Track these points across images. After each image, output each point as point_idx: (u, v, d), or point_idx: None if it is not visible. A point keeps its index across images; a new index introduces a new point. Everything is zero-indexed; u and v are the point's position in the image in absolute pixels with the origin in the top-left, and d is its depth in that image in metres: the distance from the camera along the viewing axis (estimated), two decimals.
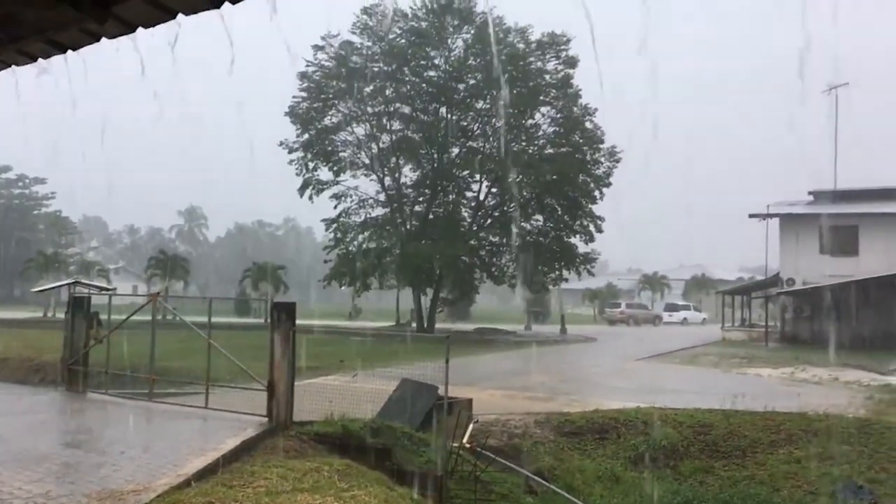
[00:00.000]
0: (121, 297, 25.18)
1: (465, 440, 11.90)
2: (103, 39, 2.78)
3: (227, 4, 2.40)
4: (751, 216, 40.91)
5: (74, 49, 2.90)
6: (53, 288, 46.75)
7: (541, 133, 43.32)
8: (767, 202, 40.37)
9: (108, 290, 39.19)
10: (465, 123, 43.41)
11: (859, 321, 34.03)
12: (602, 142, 42.47)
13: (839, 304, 34.22)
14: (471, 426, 12.50)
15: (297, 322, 11.78)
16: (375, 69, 41.28)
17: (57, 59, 2.96)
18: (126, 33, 2.71)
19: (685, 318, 67.35)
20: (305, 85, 42.33)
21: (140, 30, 2.70)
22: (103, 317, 16.65)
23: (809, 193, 42.92)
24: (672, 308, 70.78)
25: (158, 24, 2.62)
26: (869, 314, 33.97)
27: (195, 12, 2.48)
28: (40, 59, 2.98)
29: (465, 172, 43.40)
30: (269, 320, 12.46)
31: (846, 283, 34.47)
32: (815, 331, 32.68)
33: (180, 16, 2.54)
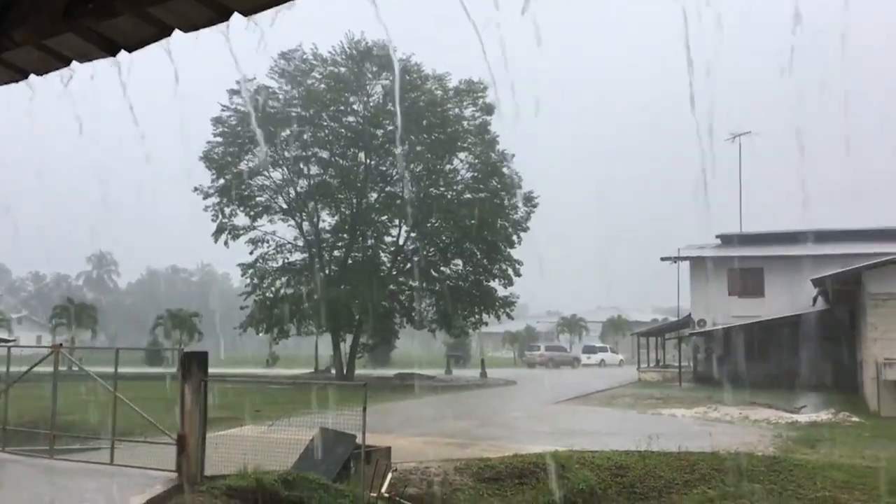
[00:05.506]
0: (21, 348, 24.04)
1: (383, 489, 11.69)
2: None
3: (123, 52, 2.34)
4: (662, 259, 42.13)
5: None
6: None
7: (459, 178, 43.79)
8: (678, 245, 41.71)
9: (6, 341, 37.43)
10: (384, 168, 43.59)
11: (767, 360, 35.26)
12: (520, 187, 43.25)
13: (747, 344, 35.38)
14: (389, 475, 12.29)
15: (212, 371, 11.47)
16: (293, 114, 41.13)
17: None
18: (17, 80, 2.61)
19: (603, 360, 68.42)
20: (220, 129, 41.81)
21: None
22: (1, 369, 15.85)
23: (717, 237, 44.45)
24: (590, 350, 71.85)
25: (52, 70, 2.53)
26: (775, 353, 35.22)
27: (90, 60, 2.41)
28: None
29: (384, 217, 43.43)
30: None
31: (753, 323, 35.70)
32: (725, 370, 33.65)
33: (75, 63, 2.46)
